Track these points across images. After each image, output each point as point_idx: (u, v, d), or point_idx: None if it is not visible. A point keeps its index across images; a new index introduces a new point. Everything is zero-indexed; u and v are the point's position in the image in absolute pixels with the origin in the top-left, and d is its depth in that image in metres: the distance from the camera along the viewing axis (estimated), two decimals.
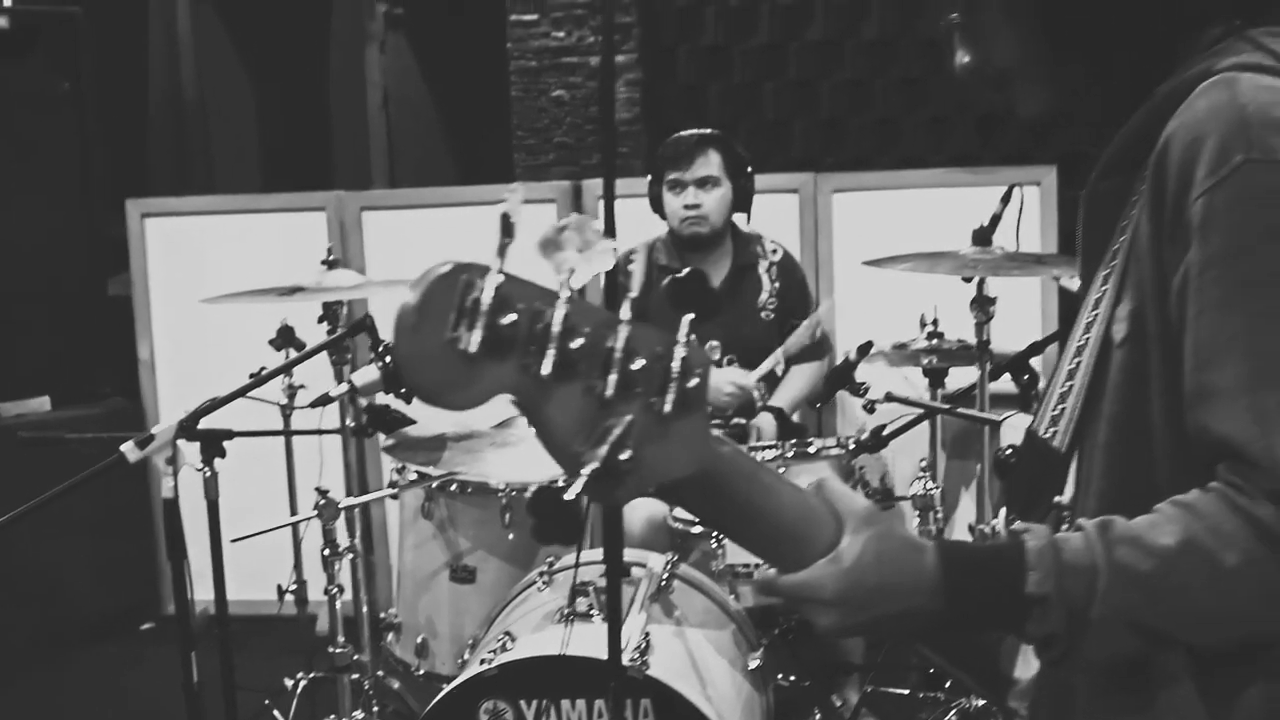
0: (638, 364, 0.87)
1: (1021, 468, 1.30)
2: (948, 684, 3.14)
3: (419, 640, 3.01)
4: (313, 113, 5.36)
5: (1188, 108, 1.08)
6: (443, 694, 2.37)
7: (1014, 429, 2.00)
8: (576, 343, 0.85)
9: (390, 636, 3.08)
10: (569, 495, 0.84)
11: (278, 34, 5.36)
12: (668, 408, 0.88)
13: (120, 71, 5.18)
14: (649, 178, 3.69)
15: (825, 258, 4.31)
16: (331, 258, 2.93)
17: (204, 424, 2.37)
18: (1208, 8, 1.14)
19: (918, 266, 2.61)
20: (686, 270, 0.94)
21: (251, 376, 2.51)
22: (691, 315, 0.91)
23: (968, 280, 2.75)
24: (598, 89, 1.95)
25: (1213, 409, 1.02)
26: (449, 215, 4.52)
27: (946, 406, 2.39)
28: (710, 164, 3.58)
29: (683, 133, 3.68)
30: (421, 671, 3.03)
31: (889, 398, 2.39)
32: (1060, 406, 1.21)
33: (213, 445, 2.48)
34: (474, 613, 2.95)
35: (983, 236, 2.65)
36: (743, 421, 3.56)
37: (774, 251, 3.77)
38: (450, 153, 5.45)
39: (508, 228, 0.85)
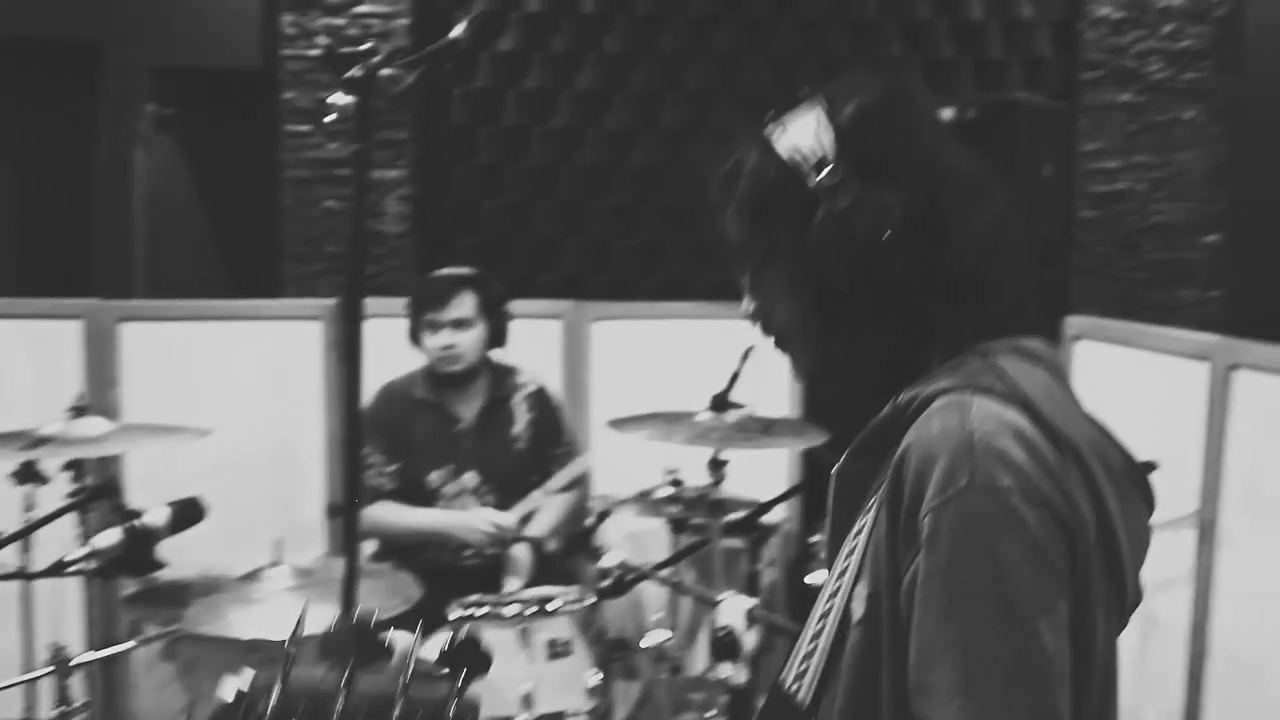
0: None
1: (767, 716, 1.41)
2: None
3: None
4: (73, 212, 5.24)
5: (926, 422, 1.23)
6: None
7: (731, 610, 2.13)
8: None
9: None
10: None
11: (40, 126, 5.24)
12: None
13: None
14: (408, 313, 3.76)
15: (585, 385, 4.43)
16: (80, 404, 2.89)
17: None
18: (952, 327, 1.30)
19: (655, 434, 2.75)
20: (460, 639, 1.01)
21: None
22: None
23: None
24: (354, 208, 2.02)
25: (931, 705, 1.16)
26: (214, 329, 4.48)
27: (674, 580, 2.51)
28: (465, 305, 3.68)
29: (438, 273, 3.78)
30: None
31: (623, 569, 2.50)
32: (805, 664, 1.33)
33: None
34: None
35: (720, 403, 2.81)
36: (497, 552, 3.65)
37: (528, 384, 3.88)
38: (216, 260, 5.40)
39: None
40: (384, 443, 3.75)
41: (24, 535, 2.57)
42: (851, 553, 1.30)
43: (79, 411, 2.88)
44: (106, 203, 5.20)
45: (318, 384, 4.44)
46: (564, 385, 4.36)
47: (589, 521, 2.71)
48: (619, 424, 2.84)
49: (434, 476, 3.72)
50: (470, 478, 3.73)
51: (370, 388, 4.39)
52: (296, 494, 4.46)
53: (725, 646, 2.09)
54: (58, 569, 2.32)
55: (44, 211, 5.23)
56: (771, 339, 1.42)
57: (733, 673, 2.11)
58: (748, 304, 1.43)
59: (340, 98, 2.04)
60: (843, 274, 1.28)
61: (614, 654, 2.90)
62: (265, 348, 4.46)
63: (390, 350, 4.41)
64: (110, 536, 2.34)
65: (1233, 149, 4.85)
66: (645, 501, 3.34)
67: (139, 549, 2.36)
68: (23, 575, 2.61)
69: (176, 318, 4.43)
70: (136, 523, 2.37)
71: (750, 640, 2.09)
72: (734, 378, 3.08)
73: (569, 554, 2.78)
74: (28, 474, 3.11)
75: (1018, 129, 3.97)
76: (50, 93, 5.19)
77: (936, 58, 5.14)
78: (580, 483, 3.94)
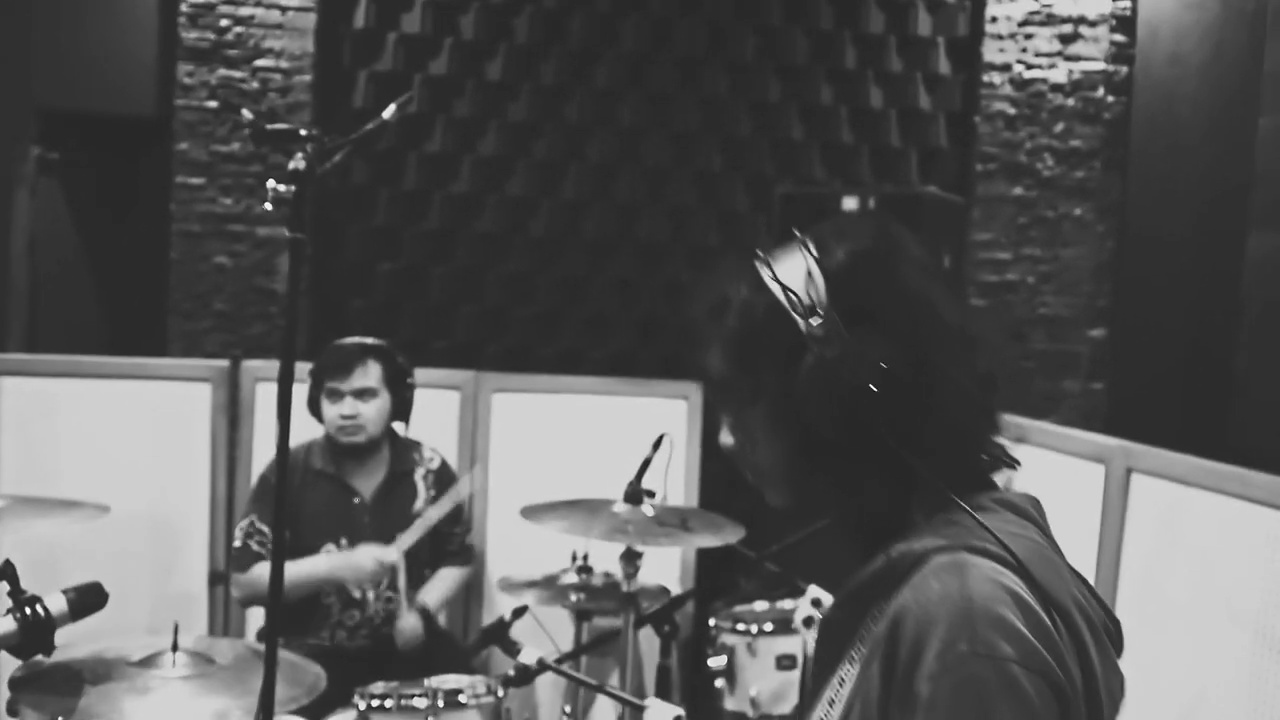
0: None
1: None
2: None
3: None
4: None
5: (923, 583, 1.22)
6: None
7: (656, 715, 2.10)
8: None
9: None
10: None
11: None
12: None
13: None
14: (308, 381, 3.67)
15: (484, 458, 4.38)
16: None
17: None
18: (936, 478, 1.29)
19: (574, 528, 2.71)
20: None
21: None
22: None
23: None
24: (291, 294, 1.95)
25: None
26: (96, 387, 4.32)
27: (594, 684, 2.47)
28: (369, 375, 3.61)
29: (344, 341, 3.71)
30: None
31: (541, 666, 2.45)
32: None
33: None
34: None
35: (634, 496, 2.79)
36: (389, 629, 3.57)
37: (430, 459, 3.82)
38: (99, 313, 5.22)
39: None
40: (273, 512, 3.64)
41: None
42: (833, 702, 1.29)
43: None
44: None
45: (204, 447, 4.30)
46: (460, 457, 4.30)
47: (505, 617, 2.66)
48: (532, 512, 2.79)
49: (327, 549, 3.62)
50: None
51: (258, 454, 4.30)
52: (178, 560, 4.31)
53: None
54: None
55: None
56: (748, 474, 1.41)
57: None
58: (725, 437, 1.41)
59: (278, 185, 1.97)
60: (828, 421, 1.28)
61: None
62: (151, 408, 4.31)
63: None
64: (5, 624, 2.21)
65: (1117, 246, 5.01)
66: (551, 588, 3.29)
67: (36, 638, 2.23)
68: None
69: (58, 374, 4.27)
70: (35, 610, 2.24)
71: None
72: (645, 465, 3.07)
73: (483, 645, 2.72)
74: None
75: (921, 221, 4.05)
76: None
77: (836, 142, 5.23)
78: (469, 552, 3.90)
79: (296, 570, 3.51)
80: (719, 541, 2.85)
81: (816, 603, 2.66)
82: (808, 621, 2.67)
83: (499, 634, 2.54)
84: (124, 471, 4.20)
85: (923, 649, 1.17)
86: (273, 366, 4.48)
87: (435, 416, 4.24)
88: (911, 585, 1.23)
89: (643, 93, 5.21)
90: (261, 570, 3.55)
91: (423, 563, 3.72)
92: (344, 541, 3.60)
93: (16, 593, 2.27)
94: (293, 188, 1.97)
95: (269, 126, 2.22)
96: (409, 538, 3.55)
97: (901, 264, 1.35)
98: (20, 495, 2.95)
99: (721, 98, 5.25)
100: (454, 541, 3.82)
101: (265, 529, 3.61)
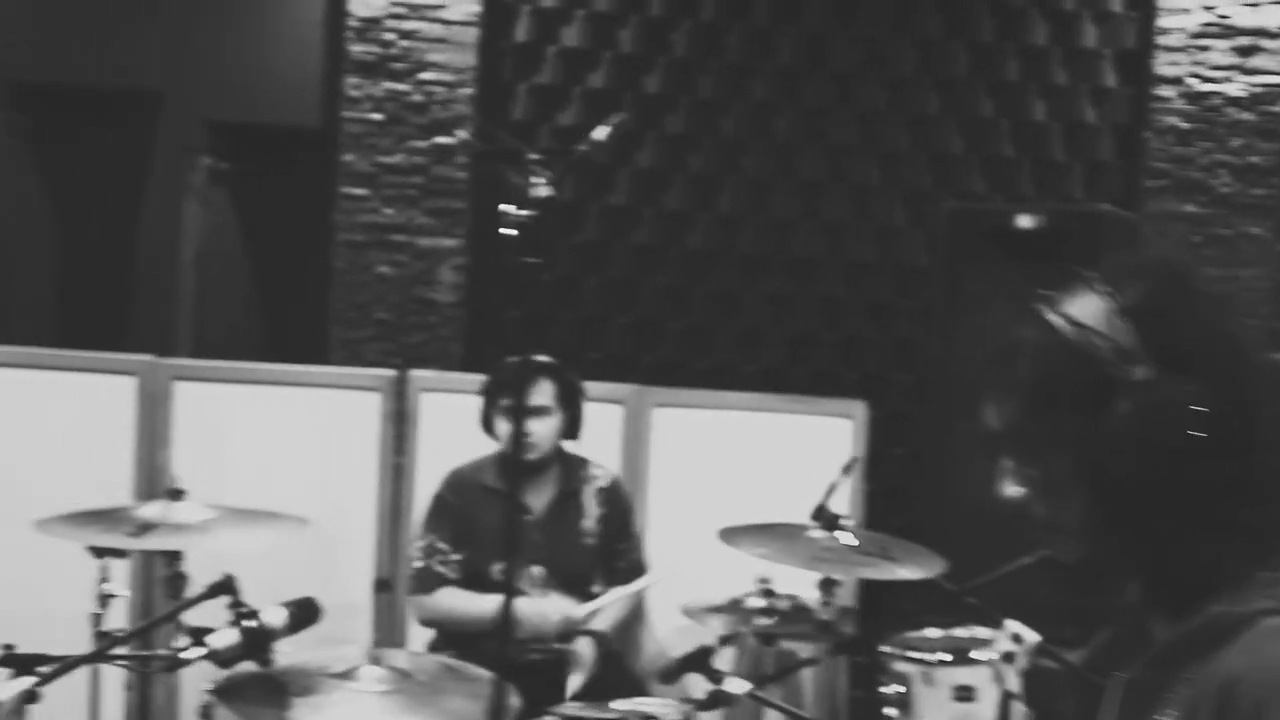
0: None
1: None
2: None
3: None
4: (118, 263, 5.15)
5: (1257, 649, 1.16)
6: None
7: None
8: None
9: None
10: None
11: (91, 174, 5.17)
12: None
13: None
14: (481, 399, 3.69)
15: (645, 473, 4.36)
16: (177, 487, 2.82)
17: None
18: (1256, 533, 1.23)
19: (773, 555, 2.68)
20: None
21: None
22: None
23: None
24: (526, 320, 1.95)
25: None
26: (263, 393, 4.39)
27: (805, 715, 2.43)
28: (544, 393, 3.62)
29: (516, 358, 3.70)
30: None
31: (754, 697, 2.41)
32: None
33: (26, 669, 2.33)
34: None
35: (829, 521, 2.74)
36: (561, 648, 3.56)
37: (601, 477, 3.81)
38: (262, 321, 5.32)
39: None
40: (450, 531, 3.67)
41: (160, 624, 2.51)
42: None
43: (176, 495, 2.82)
44: (154, 256, 5.13)
45: (372, 456, 4.35)
46: (624, 473, 4.28)
47: (710, 642, 2.63)
48: (730, 535, 2.77)
49: (498, 568, 3.63)
50: (536, 570, 3.64)
51: (423, 464, 4.34)
52: (342, 569, 4.36)
53: None
54: (175, 663, 2.25)
55: (89, 262, 5.14)
56: (1037, 526, 1.35)
57: None
58: (1011, 488, 1.35)
59: (513, 209, 1.97)
60: (1140, 473, 1.22)
61: None
62: (317, 416, 4.38)
63: (442, 423, 4.37)
64: (228, 637, 2.28)
65: None
66: (737, 611, 3.25)
67: (255, 649, 2.29)
68: (141, 666, 2.54)
69: (232, 380, 4.35)
70: (255, 623, 2.30)
71: None
72: (832, 488, 3.02)
73: (682, 671, 2.70)
74: (104, 549, 3.05)
75: (1099, 242, 3.94)
76: (104, 141, 5.12)
77: (997, 156, 5.14)
78: (640, 569, 3.88)
79: (483, 606, 3.50)
80: (922, 574, 2.80)
81: (1017, 638, 2.60)
82: (1007, 657, 2.61)
83: (701, 660, 2.52)
84: (289, 478, 4.26)
85: None
86: (439, 377, 4.53)
87: (596, 430, 4.23)
88: (1242, 650, 1.17)
89: (798, 107, 5.17)
90: (446, 596, 3.59)
91: (592, 580, 3.71)
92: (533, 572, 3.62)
93: (237, 605, 2.32)
94: (529, 212, 1.97)
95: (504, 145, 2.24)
96: (596, 605, 3.56)
97: (1202, 299, 1.29)
98: (228, 507, 3.02)
99: (879, 112, 5.19)
100: (624, 559, 3.81)
101: (446, 548, 3.64)
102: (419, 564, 3.68)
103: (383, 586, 4.33)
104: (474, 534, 3.64)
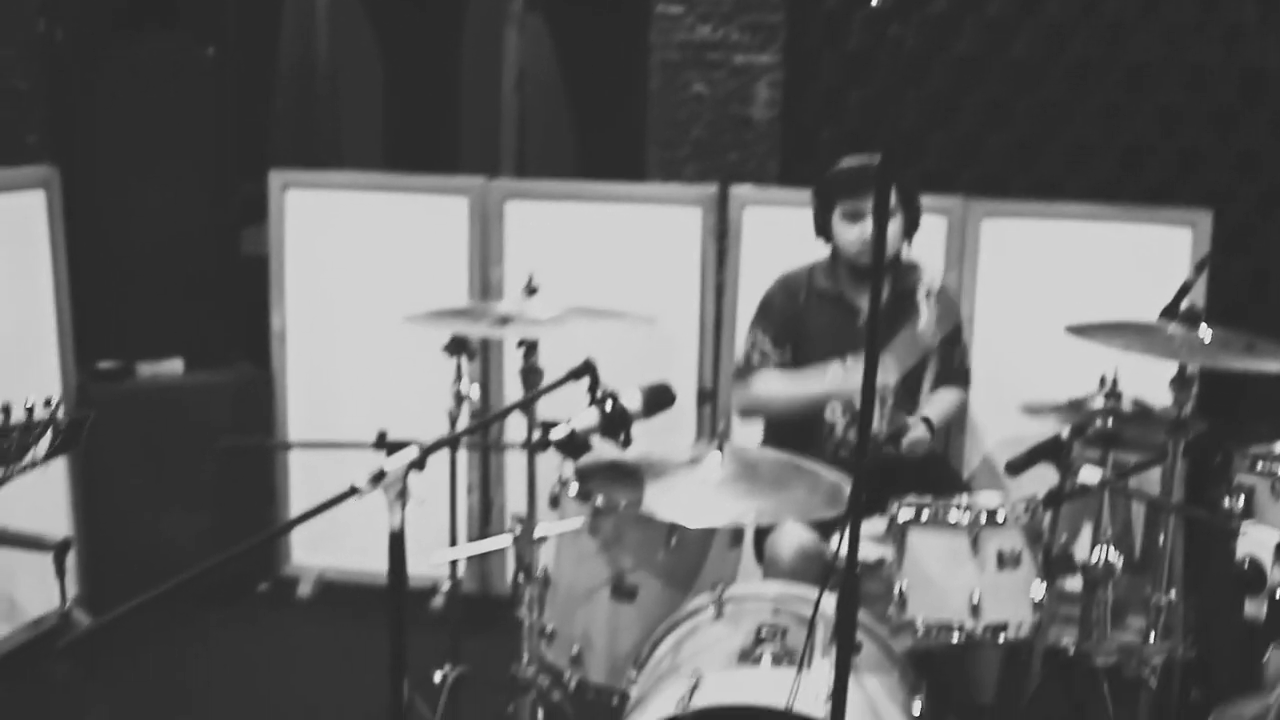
0: None
1: None
2: None
3: (574, 650, 3.05)
4: (443, 91, 5.33)
5: None
6: None
7: (1256, 543, 1.97)
8: None
9: (543, 643, 3.10)
10: None
11: (414, 7, 5.34)
12: None
13: (255, 38, 5.17)
14: (814, 202, 3.66)
15: (969, 285, 4.27)
16: (532, 285, 2.97)
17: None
18: None
19: (1130, 345, 2.56)
20: None
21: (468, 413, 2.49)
22: None
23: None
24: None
25: None
26: (586, 210, 4.50)
27: (1175, 502, 2.35)
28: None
29: (855, 161, 3.63)
30: (573, 679, 3.06)
31: (1104, 484, 2.34)
32: None
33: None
34: (630, 630, 2.98)
35: (1189, 317, 2.60)
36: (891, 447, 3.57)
37: (932, 280, 3.74)
38: (579, 142, 5.42)
39: None
40: (775, 331, 3.69)
41: (524, 405, 2.68)
42: None
43: (531, 291, 2.99)
44: (475, 82, 5.28)
45: (694, 270, 4.42)
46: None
47: (1063, 434, 2.57)
48: (1080, 330, 2.66)
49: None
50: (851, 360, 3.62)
51: (745, 277, 4.37)
52: (666, 378, 4.46)
53: (1249, 579, 1.94)
54: (542, 445, 2.38)
55: (414, 89, 5.34)
56: None
57: (1252, 607, 1.96)
58: None
59: None
60: None
61: (1061, 567, 2.78)
62: (642, 233, 4.46)
63: (763, 237, 4.37)
64: (590, 417, 2.41)
65: None
66: (1079, 411, 3.15)
67: (614, 429, 2.41)
68: (529, 445, 2.72)
69: (560, 198, 4.47)
70: (613, 404, 2.41)
71: (1277, 574, 1.93)
72: (1185, 288, 2.86)
73: (1031, 462, 2.65)
74: (458, 347, 3.24)
75: None
76: None
77: None
78: (966, 374, 3.85)
79: (795, 385, 3.56)
80: None
81: None
82: None
83: (1053, 451, 2.46)
84: (615, 293, 4.36)
85: None
86: (760, 191, 4.53)
87: (921, 241, 4.15)
88: None
89: None
90: (758, 380, 3.63)
91: (921, 383, 3.67)
92: (848, 361, 3.60)
93: (596, 386, 2.44)
94: None
95: None
96: (906, 361, 3.50)
97: None
98: (577, 306, 3.17)
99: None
100: (954, 361, 3.76)
101: (769, 346, 3.66)
102: (740, 359, 3.75)
103: (705, 397, 4.42)
104: (805, 335, 3.65)
